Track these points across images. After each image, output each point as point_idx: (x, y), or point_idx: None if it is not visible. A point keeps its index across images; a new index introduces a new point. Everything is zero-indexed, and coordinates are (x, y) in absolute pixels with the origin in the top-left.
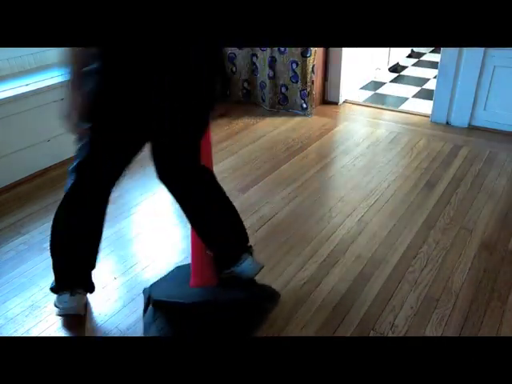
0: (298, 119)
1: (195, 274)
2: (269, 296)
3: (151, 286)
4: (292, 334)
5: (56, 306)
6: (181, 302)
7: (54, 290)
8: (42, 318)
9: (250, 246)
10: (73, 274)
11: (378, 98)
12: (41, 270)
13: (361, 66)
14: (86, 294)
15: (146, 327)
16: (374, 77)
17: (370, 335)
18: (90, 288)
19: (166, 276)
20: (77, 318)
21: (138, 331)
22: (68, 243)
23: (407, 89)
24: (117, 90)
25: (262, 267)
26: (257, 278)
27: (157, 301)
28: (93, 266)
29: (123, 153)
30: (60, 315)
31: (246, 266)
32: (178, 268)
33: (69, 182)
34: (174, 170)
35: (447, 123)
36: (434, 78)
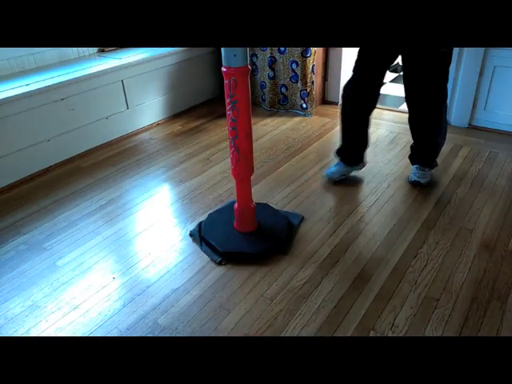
0: (297, 119)
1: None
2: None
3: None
4: (292, 334)
5: (331, 169)
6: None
7: (337, 154)
8: (42, 318)
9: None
10: (351, 153)
11: None
12: (41, 270)
13: None
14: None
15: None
16: None
17: (370, 335)
18: (362, 164)
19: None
20: None
21: (138, 331)
22: (345, 130)
23: None
24: None
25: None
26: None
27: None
28: (366, 146)
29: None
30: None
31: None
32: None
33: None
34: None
35: (447, 123)
36: None
